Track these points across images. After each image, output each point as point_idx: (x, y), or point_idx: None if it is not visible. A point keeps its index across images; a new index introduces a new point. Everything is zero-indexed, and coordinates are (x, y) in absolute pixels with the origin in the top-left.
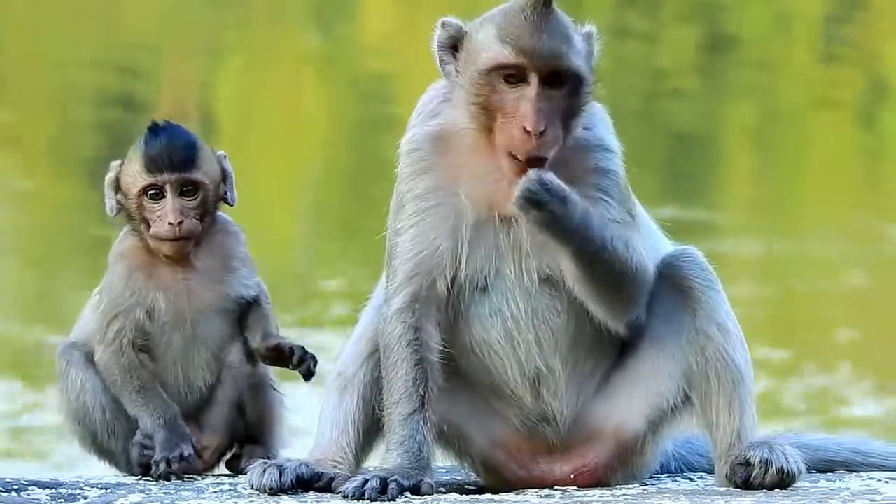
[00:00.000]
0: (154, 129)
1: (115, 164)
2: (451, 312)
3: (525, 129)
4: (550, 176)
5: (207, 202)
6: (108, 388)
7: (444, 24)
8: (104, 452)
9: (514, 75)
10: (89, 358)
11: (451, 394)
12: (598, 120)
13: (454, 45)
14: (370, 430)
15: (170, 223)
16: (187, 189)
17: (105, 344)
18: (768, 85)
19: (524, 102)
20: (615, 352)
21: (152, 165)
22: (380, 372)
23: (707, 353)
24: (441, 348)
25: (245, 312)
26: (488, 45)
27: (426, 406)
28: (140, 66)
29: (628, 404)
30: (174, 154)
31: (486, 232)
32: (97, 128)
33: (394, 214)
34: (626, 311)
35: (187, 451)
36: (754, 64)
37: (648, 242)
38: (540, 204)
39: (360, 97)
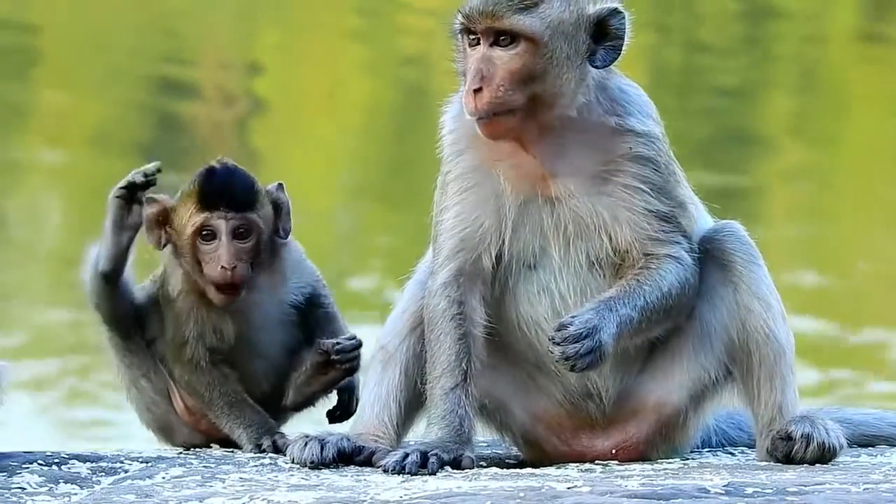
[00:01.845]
0: (211, 169)
1: (161, 198)
2: (498, 288)
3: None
4: (562, 335)
5: (260, 246)
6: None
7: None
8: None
9: (472, 37)
10: None
11: (493, 368)
12: (635, 104)
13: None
14: (412, 404)
15: (222, 266)
16: (241, 231)
17: (181, 364)
18: (812, 59)
19: (474, 55)
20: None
21: (209, 205)
22: (422, 346)
23: (748, 327)
24: (485, 323)
25: (307, 317)
26: (457, 12)
27: (468, 380)
28: (182, 46)
29: (670, 379)
30: (232, 194)
31: (530, 211)
32: (142, 110)
33: (439, 192)
34: (679, 320)
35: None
36: (798, 38)
37: (694, 220)
38: (577, 357)
39: (401, 76)
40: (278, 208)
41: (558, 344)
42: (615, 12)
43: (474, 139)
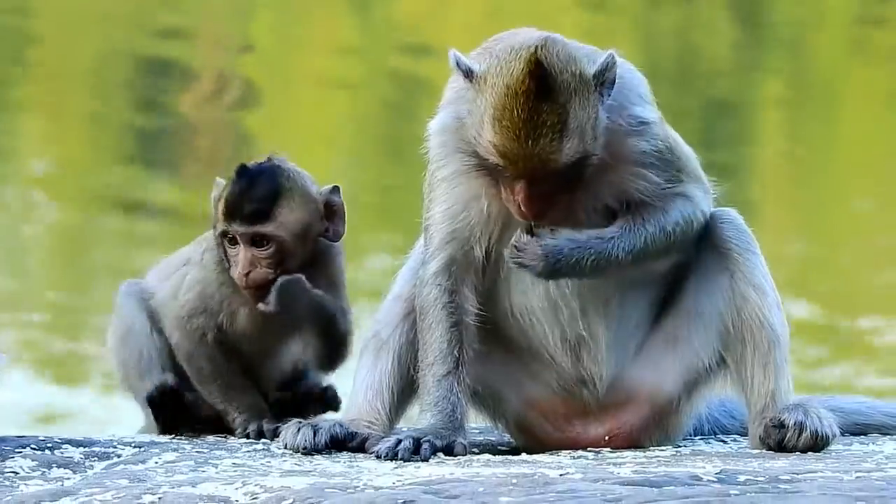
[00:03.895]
0: (240, 174)
1: (221, 183)
2: (490, 277)
3: (520, 209)
4: (525, 241)
5: (284, 252)
6: (193, 380)
7: (458, 64)
8: (133, 393)
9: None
10: (147, 303)
11: (486, 356)
12: (634, 95)
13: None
14: (404, 391)
15: (238, 272)
16: (258, 240)
17: (185, 334)
18: (805, 42)
19: (518, 187)
20: (654, 314)
21: (227, 214)
22: (415, 333)
23: (743, 314)
24: (477, 311)
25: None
26: (482, 133)
27: (461, 368)
28: (177, 28)
29: (664, 366)
30: (247, 206)
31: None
32: (134, 92)
33: (428, 187)
34: (678, 256)
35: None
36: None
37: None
38: (524, 266)
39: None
40: (331, 211)
41: (516, 249)
42: (612, 63)
43: (463, 144)
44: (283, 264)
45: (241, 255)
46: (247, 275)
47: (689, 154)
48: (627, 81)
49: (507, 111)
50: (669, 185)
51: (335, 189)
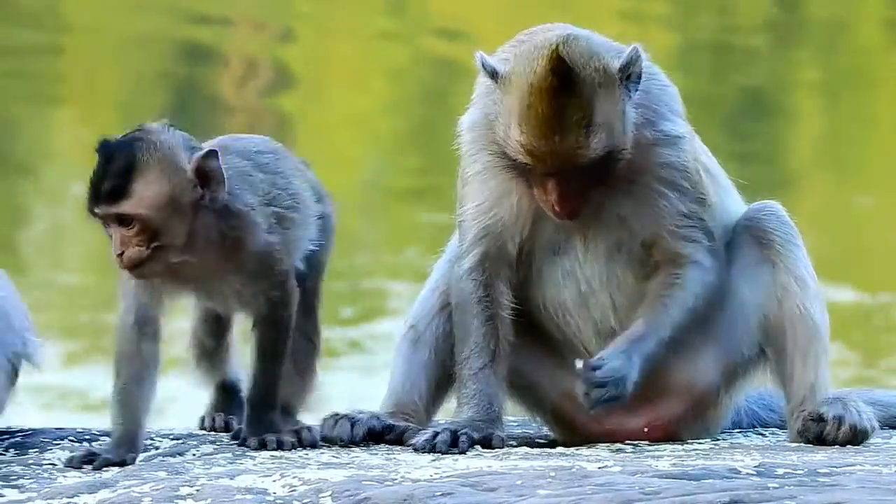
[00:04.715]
0: (98, 151)
1: None
2: (523, 272)
3: (553, 208)
4: (591, 375)
5: (152, 229)
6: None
7: (483, 65)
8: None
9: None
10: None
11: (523, 348)
12: (665, 107)
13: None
14: (442, 383)
15: (114, 254)
16: (121, 220)
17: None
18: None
19: (549, 184)
20: None
21: (89, 197)
22: (452, 326)
23: (784, 306)
24: (512, 305)
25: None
26: (509, 132)
27: (497, 360)
28: (213, 15)
29: (703, 358)
30: (103, 186)
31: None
32: (166, 78)
33: (460, 181)
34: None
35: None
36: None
37: (723, 207)
38: (599, 401)
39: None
40: (205, 176)
41: (586, 386)
42: (636, 56)
43: (491, 144)
44: (157, 240)
45: (113, 237)
46: (120, 255)
47: (716, 178)
48: (657, 95)
49: (531, 109)
50: (684, 229)
51: (209, 153)
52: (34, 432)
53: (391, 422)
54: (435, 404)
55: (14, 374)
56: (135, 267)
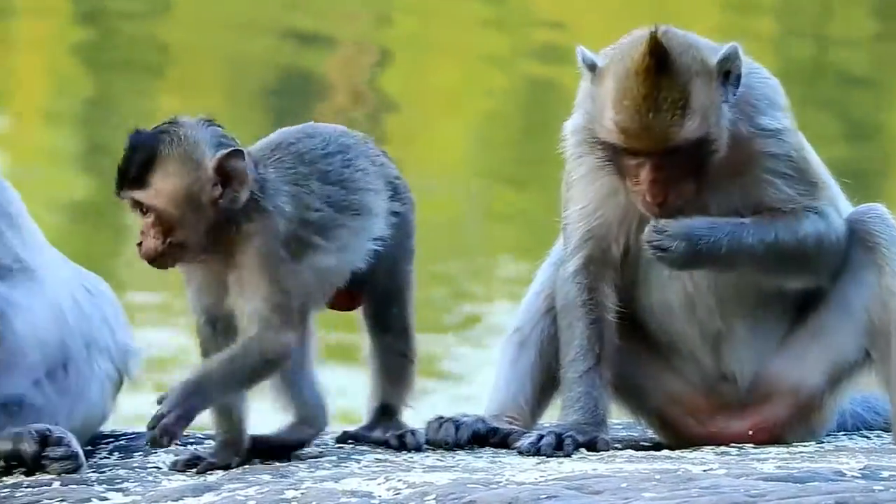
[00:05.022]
0: (128, 139)
1: None
2: (628, 275)
3: (646, 199)
4: (665, 223)
5: (166, 222)
6: None
7: (582, 58)
8: None
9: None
10: None
11: (628, 351)
12: (765, 102)
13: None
14: (547, 386)
15: (136, 244)
16: (141, 208)
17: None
18: None
19: (642, 172)
20: (796, 309)
21: (115, 181)
22: (556, 329)
23: (889, 309)
24: (617, 308)
25: None
26: (603, 115)
27: (601, 363)
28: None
29: (808, 361)
30: (125, 173)
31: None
32: (267, 97)
33: (565, 186)
34: (818, 279)
35: None
36: None
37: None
38: (664, 250)
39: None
40: (226, 176)
41: (652, 233)
42: (734, 53)
43: (595, 150)
44: (173, 235)
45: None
46: (139, 245)
47: (821, 169)
48: (756, 89)
49: (627, 90)
50: (802, 198)
51: (233, 153)
52: (138, 435)
53: (496, 425)
54: (540, 407)
55: (119, 382)
56: (152, 259)
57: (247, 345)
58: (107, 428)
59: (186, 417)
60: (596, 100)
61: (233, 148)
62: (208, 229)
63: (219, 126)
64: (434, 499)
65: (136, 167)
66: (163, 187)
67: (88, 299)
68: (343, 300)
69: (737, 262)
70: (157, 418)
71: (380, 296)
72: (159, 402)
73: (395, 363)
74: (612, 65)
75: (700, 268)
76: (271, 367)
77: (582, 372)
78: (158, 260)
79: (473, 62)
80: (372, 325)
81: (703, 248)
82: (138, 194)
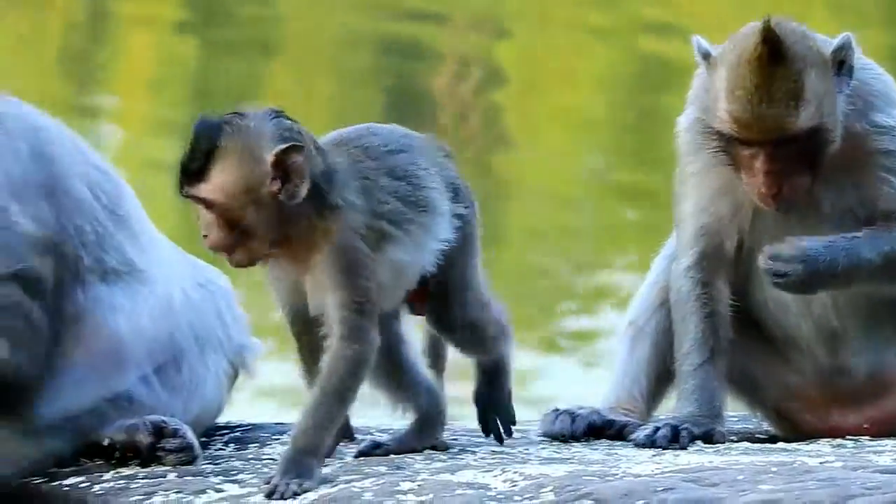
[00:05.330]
0: (193, 130)
1: None
2: (743, 269)
3: (760, 190)
4: (779, 248)
5: (228, 216)
6: None
7: (698, 48)
8: None
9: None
10: None
11: (743, 345)
12: (880, 98)
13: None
14: (662, 378)
15: (202, 236)
16: (202, 203)
17: None
18: None
19: (756, 163)
20: None
21: (178, 174)
22: (671, 321)
23: None
24: (731, 302)
25: None
26: (717, 105)
27: (716, 357)
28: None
29: None
30: (185, 167)
31: (769, 210)
32: (378, 76)
33: (678, 182)
34: None
35: None
36: None
37: None
38: (783, 275)
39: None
40: (284, 171)
41: (770, 260)
42: (848, 43)
43: (709, 143)
44: (238, 228)
45: (202, 217)
46: (205, 237)
47: None
48: (870, 85)
49: (740, 79)
50: None
51: (291, 147)
52: (253, 427)
53: (611, 417)
54: (655, 399)
55: (234, 376)
56: (219, 251)
57: (334, 363)
58: (222, 420)
59: (305, 476)
60: (710, 90)
61: (292, 143)
62: (275, 223)
63: (287, 119)
64: (550, 491)
65: (197, 162)
66: (221, 181)
67: (201, 294)
68: (414, 301)
69: (855, 277)
70: (270, 492)
71: (441, 297)
72: (268, 495)
73: (469, 341)
74: (725, 54)
75: (821, 289)
76: (364, 370)
77: (697, 365)
78: (231, 254)
79: (584, 36)
80: (438, 328)
81: (821, 268)
82: (199, 190)
